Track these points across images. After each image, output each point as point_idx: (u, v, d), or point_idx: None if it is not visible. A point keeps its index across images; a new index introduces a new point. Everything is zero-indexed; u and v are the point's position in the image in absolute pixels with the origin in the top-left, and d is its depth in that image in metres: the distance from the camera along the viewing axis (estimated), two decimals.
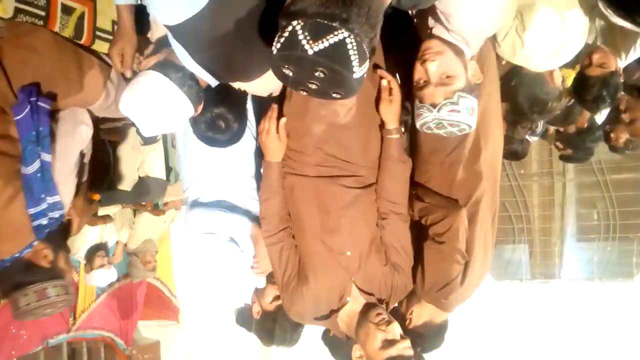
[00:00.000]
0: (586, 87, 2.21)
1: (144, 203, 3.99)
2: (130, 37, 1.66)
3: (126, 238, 4.18)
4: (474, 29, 1.51)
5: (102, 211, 3.73)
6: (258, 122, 1.91)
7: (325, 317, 1.78)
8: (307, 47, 1.12)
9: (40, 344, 4.40)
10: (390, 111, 1.69)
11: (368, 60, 1.20)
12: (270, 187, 1.80)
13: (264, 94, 1.83)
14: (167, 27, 1.39)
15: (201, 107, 1.68)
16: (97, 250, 3.95)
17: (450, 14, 1.48)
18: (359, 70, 1.17)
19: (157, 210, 4.21)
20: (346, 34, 1.12)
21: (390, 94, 1.67)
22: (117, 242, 4.16)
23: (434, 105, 1.50)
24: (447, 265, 1.71)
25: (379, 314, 1.66)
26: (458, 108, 1.49)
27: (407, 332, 1.84)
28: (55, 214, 1.95)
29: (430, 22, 1.58)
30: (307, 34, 1.12)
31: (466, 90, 1.51)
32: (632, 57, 2.05)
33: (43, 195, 1.85)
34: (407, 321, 1.89)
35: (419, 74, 1.56)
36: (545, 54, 1.61)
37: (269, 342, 2.08)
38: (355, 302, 1.75)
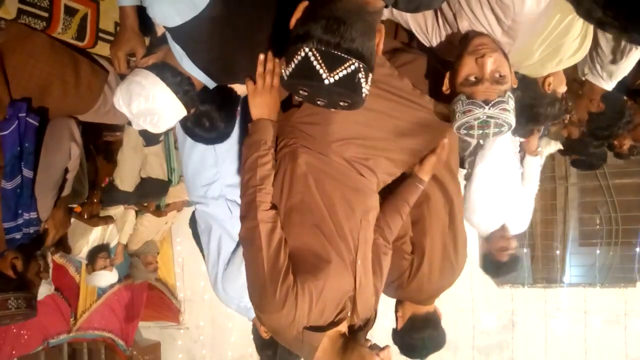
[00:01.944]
0: (592, 137, 2.56)
1: (146, 204, 3.99)
2: (140, 38, 1.60)
3: (127, 239, 4.18)
4: (533, 14, 1.40)
5: (104, 212, 3.74)
6: None
7: (321, 330, 1.46)
8: (283, 74, 1.19)
9: (41, 344, 4.41)
10: (433, 167, 1.78)
11: (345, 60, 1.13)
12: (268, 149, 1.50)
13: None
14: (166, 28, 1.40)
15: (194, 109, 1.65)
16: (99, 251, 3.95)
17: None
18: (330, 76, 1.13)
19: (159, 211, 4.22)
20: (306, 49, 1.13)
21: (442, 154, 1.74)
22: (118, 243, 4.17)
23: (486, 102, 1.41)
24: (397, 262, 1.85)
25: (367, 339, 1.51)
26: (508, 107, 1.42)
27: (405, 333, 1.98)
28: (30, 230, 1.93)
29: (464, 25, 1.51)
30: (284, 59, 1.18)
31: (511, 92, 1.47)
32: (619, 75, 2.01)
33: (20, 211, 1.84)
34: (398, 324, 1.99)
35: (469, 69, 1.45)
36: (534, 59, 1.59)
37: None
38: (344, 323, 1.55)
